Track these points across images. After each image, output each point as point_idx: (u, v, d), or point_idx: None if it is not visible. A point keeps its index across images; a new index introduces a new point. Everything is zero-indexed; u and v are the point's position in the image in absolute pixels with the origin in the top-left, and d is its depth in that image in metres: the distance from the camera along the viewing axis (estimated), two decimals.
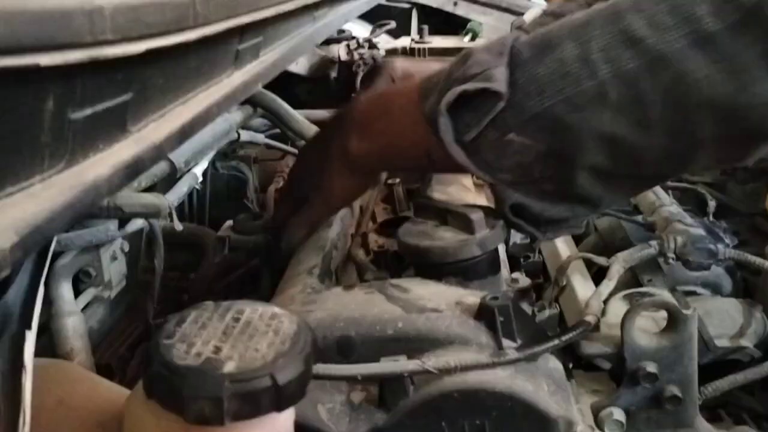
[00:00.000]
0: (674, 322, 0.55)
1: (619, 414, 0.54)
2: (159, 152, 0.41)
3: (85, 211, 0.35)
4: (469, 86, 0.52)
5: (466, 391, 0.48)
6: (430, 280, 0.59)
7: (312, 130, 1.05)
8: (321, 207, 0.69)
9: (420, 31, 1.55)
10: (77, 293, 0.73)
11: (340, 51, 1.45)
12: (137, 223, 0.76)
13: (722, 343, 0.65)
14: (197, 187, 0.90)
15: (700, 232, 0.72)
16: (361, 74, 1.41)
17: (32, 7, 0.27)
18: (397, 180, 1.01)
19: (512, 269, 0.81)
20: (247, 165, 1.13)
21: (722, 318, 0.68)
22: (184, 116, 0.44)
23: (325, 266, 0.66)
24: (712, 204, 0.86)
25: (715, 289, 0.76)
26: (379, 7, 1.43)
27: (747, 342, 0.66)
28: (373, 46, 1.46)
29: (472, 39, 1.56)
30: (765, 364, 0.62)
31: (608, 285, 0.62)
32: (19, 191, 0.31)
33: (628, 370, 0.55)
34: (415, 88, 0.58)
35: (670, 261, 0.71)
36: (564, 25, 0.53)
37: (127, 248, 0.80)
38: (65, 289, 0.70)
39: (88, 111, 0.34)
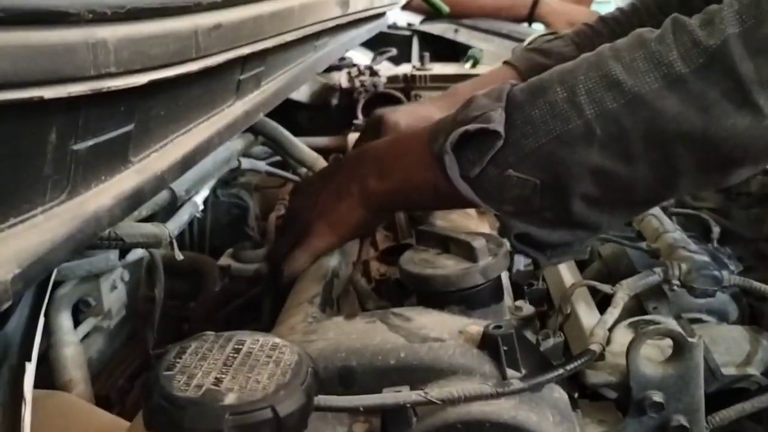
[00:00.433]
0: (680, 350, 0.54)
1: None
2: (161, 182, 0.41)
3: (87, 242, 0.35)
4: (471, 127, 0.58)
5: (469, 422, 0.47)
6: (432, 308, 0.59)
7: (313, 157, 1.06)
8: (329, 238, 0.73)
9: (421, 58, 1.56)
10: (76, 323, 0.72)
11: (341, 78, 1.46)
12: (137, 252, 0.76)
13: (729, 371, 0.65)
14: (198, 215, 0.90)
15: (705, 258, 0.72)
16: (362, 101, 1.41)
17: (36, 41, 0.27)
18: None
19: (516, 297, 0.80)
20: (248, 193, 1.13)
21: (728, 346, 0.67)
22: (185, 146, 0.44)
23: (327, 295, 0.66)
24: (716, 230, 0.85)
25: (721, 316, 0.76)
26: (380, 34, 1.44)
27: (754, 370, 0.65)
28: (374, 73, 1.46)
29: (473, 66, 1.57)
30: None
31: (613, 313, 0.62)
32: (21, 222, 0.31)
33: (634, 399, 0.54)
34: (425, 132, 0.64)
35: (675, 288, 0.70)
36: (554, 72, 0.59)
37: (127, 277, 0.80)
38: (65, 319, 0.69)
39: (91, 142, 0.34)
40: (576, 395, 0.57)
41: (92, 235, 0.35)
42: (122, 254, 0.73)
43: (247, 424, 0.37)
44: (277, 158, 1.12)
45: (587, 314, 0.74)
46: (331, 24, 0.75)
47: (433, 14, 1.81)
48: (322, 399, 0.44)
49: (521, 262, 0.88)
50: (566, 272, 0.85)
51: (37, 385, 0.43)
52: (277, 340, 0.44)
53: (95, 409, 0.55)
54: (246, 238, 1.06)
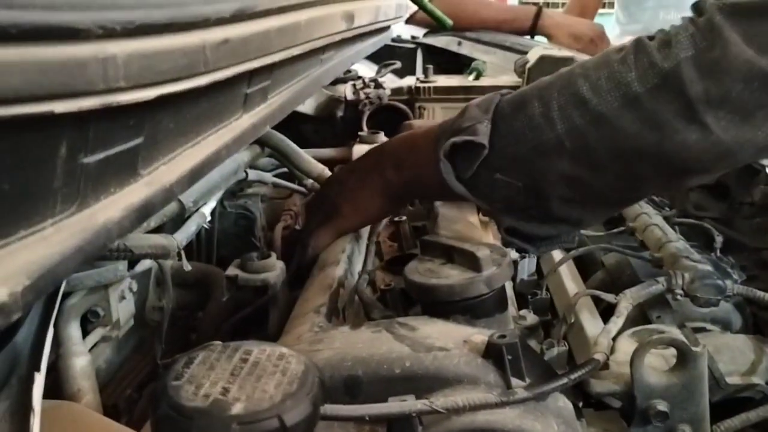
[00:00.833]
0: (684, 359, 0.55)
1: None
2: (169, 195, 0.41)
3: (96, 254, 0.35)
4: (458, 139, 0.65)
5: (474, 431, 0.47)
6: (437, 318, 0.59)
7: (319, 168, 1.06)
8: (352, 219, 0.82)
9: (425, 71, 1.57)
10: (85, 333, 0.73)
11: (346, 90, 1.47)
12: (146, 263, 0.76)
13: (733, 380, 0.65)
14: (206, 226, 0.90)
15: (708, 268, 0.72)
16: (367, 113, 1.42)
17: (47, 56, 0.28)
18: (404, 218, 1.01)
19: (520, 306, 0.80)
20: (255, 204, 1.13)
21: (733, 355, 0.67)
22: (193, 159, 0.45)
23: (332, 305, 0.67)
24: (719, 239, 0.85)
25: (725, 326, 0.76)
26: (384, 47, 1.45)
27: (758, 379, 0.65)
28: (378, 85, 1.47)
29: (476, 78, 1.57)
30: None
31: (617, 322, 0.62)
32: (31, 235, 0.32)
33: (639, 408, 0.54)
34: (434, 132, 0.71)
35: (678, 297, 0.70)
36: (535, 86, 0.65)
37: (135, 288, 0.80)
38: (73, 329, 0.70)
39: (100, 155, 0.35)
40: (580, 404, 0.58)
41: (102, 246, 0.35)
42: (131, 265, 0.73)
43: None
44: (284, 170, 1.13)
45: (591, 323, 0.74)
46: (336, 38, 0.75)
47: (436, 27, 1.81)
48: (328, 408, 0.44)
49: (525, 272, 0.88)
50: (570, 282, 0.86)
51: (46, 395, 0.44)
52: (284, 350, 0.45)
53: (103, 419, 0.55)
54: (253, 249, 1.06)
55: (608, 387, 0.57)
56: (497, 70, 1.64)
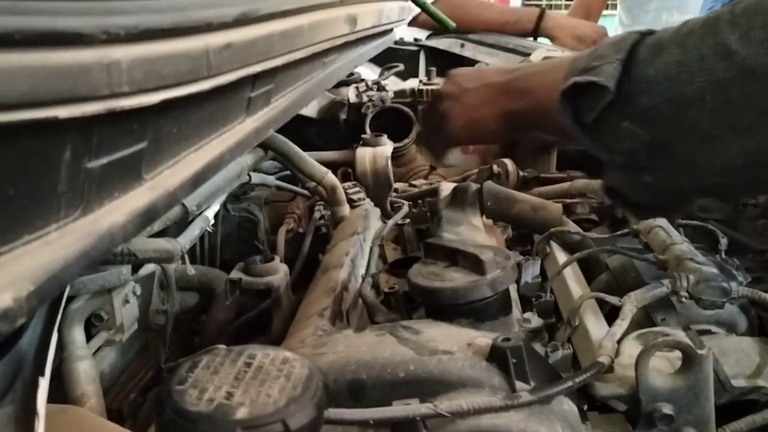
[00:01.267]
0: (689, 362, 0.54)
1: None
2: (173, 199, 0.41)
3: (100, 258, 0.35)
4: (580, 78, 0.60)
5: None
6: (441, 321, 0.59)
7: (322, 171, 1.06)
8: (462, 133, 0.81)
9: (428, 73, 1.57)
10: (89, 337, 0.73)
11: (349, 93, 1.47)
12: (149, 267, 0.77)
13: (739, 383, 0.64)
14: (209, 229, 0.90)
15: (713, 270, 0.72)
16: (370, 116, 1.42)
17: (52, 62, 0.28)
18: (407, 220, 1.01)
19: (524, 309, 0.80)
20: (258, 207, 1.14)
21: (738, 357, 0.67)
22: (197, 163, 0.45)
23: (336, 308, 0.67)
24: (723, 241, 0.85)
25: (730, 328, 0.75)
26: (387, 50, 1.45)
27: (764, 382, 0.65)
28: (381, 88, 1.47)
29: None
30: None
31: (621, 325, 0.62)
32: (35, 239, 0.32)
33: (644, 411, 0.54)
34: (566, 63, 0.65)
35: (683, 299, 0.70)
36: (674, 32, 0.58)
37: (139, 291, 0.81)
38: (78, 333, 0.70)
39: (104, 160, 0.35)
40: (585, 407, 0.57)
41: (106, 251, 0.35)
42: (135, 269, 0.73)
43: None
44: (287, 173, 1.13)
45: (596, 326, 0.74)
46: (339, 41, 0.75)
47: (439, 29, 1.82)
48: (332, 412, 0.44)
49: (529, 275, 0.88)
50: (574, 284, 0.85)
51: (50, 399, 0.44)
52: (288, 353, 0.45)
53: (107, 423, 0.55)
54: (256, 252, 1.07)
55: (613, 390, 0.57)
56: None
